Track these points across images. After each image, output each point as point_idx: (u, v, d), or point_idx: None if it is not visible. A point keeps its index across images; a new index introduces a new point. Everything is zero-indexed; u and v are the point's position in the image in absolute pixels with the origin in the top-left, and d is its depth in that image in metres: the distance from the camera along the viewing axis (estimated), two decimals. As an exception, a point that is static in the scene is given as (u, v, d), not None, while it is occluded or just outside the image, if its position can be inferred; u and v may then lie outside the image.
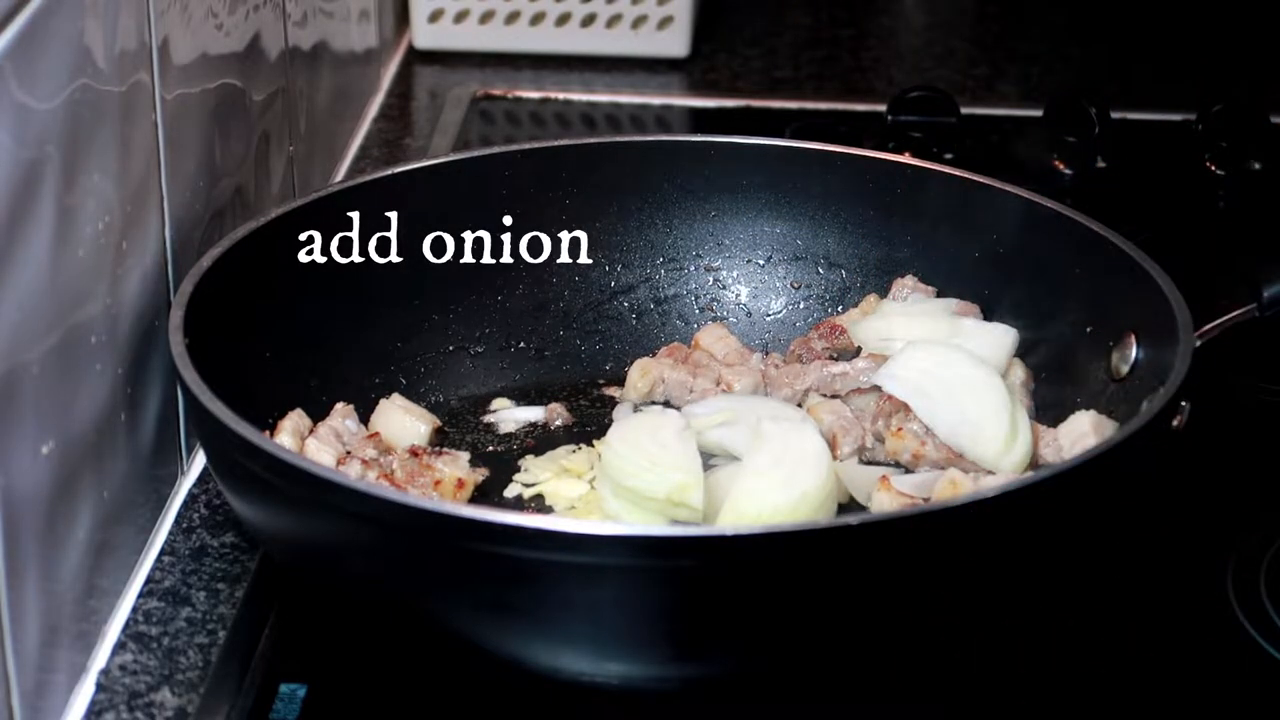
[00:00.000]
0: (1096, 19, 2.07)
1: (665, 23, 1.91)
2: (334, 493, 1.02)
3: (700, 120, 1.83)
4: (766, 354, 1.35)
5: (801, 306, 1.39)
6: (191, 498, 1.25)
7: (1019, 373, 1.28)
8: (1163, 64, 1.96)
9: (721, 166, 1.38)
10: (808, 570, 1.01)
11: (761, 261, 1.39)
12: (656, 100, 1.85)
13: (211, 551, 1.20)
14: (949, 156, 1.64)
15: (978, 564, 1.06)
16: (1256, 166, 1.67)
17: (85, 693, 1.09)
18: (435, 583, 1.04)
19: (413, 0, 1.91)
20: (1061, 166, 1.67)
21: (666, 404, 1.31)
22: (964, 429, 1.21)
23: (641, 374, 1.32)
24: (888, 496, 1.17)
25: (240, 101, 1.35)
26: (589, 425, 1.31)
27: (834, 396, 1.29)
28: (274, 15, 1.43)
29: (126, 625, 1.14)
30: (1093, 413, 1.21)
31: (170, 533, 1.22)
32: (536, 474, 1.26)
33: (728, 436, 1.24)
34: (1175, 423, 1.12)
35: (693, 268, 1.39)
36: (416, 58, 1.92)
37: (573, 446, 1.28)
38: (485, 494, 1.23)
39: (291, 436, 1.19)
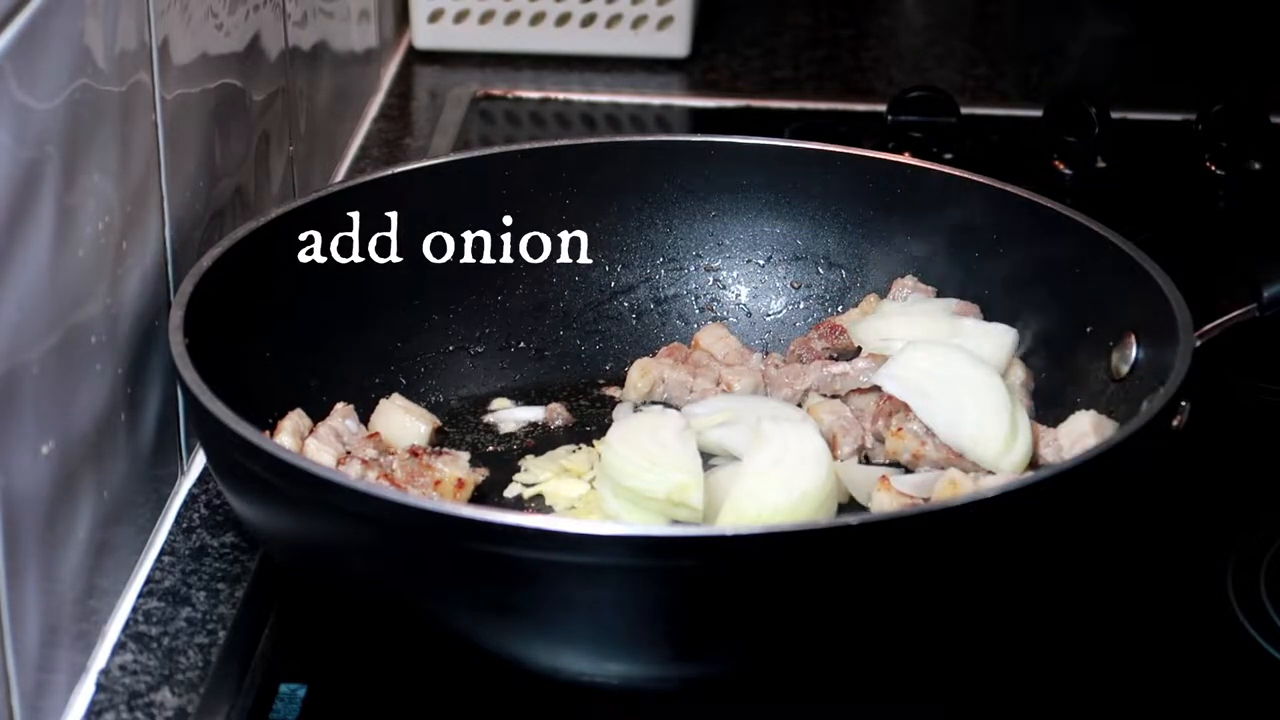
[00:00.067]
0: (1096, 19, 2.06)
1: (665, 23, 1.91)
2: (334, 493, 1.02)
3: (700, 120, 1.83)
4: (766, 354, 1.35)
5: (801, 306, 1.39)
6: (191, 498, 1.25)
7: (1019, 373, 1.27)
8: (1163, 64, 1.96)
9: (721, 166, 1.38)
10: (808, 570, 1.01)
11: (761, 261, 1.39)
12: (656, 100, 1.85)
13: (211, 551, 1.20)
14: (949, 156, 1.64)
15: (978, 564, 1.06)
16: (1256, 166, 1.67)
17: (85, 693, 1.09)
18: (435, 583, 1.04)
19: (413, 0, 1.91)
20: (1061, 166, 1.67)
21: (666, 404, 1.31)
22: (964, 429, 1.21)
23: (641, 374, 1.32)
24: (888, 496, 1.17)
25: (240, 101, 1.35)
26: (589, 425, 1.31)
27: (834, 396, 1.29)
28: (274, 15, 1.43)
29: (126, 625, 1.14)
30: (1093, 413, 1.21)
31: (170, 533, 1.22)
32: (536, 474, 1.26)
33: (728, 436, 1.24)
34: (1175, 423, 1.12)
35: (693, 268, 1.39)
36: (416, 58, 1.92)
37: (573, 446, 1.28)
38: (485, 494, 1.22)
39: (291, 436, 1.19)
